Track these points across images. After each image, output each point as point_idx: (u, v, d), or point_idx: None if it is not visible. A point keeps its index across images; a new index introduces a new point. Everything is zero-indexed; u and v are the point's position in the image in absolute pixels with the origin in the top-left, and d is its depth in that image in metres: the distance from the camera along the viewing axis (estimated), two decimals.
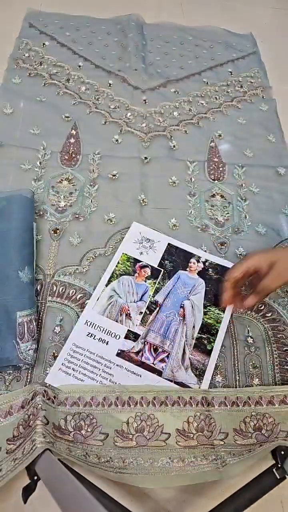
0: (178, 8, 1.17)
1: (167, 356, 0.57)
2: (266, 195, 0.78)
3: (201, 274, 0.64)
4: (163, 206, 0.73)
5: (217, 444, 0.51)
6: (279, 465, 0.48)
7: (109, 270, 0.63)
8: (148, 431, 0.50)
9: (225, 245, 0.70)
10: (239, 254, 0.69)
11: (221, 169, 0.81)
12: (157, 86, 0.93)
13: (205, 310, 0.61)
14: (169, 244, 0.67)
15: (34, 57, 0.93)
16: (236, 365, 0.58)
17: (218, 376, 0.57)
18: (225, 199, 0.76)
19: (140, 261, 0.64)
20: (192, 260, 0.66)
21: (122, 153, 0.79)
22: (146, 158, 0.79)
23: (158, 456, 0.49)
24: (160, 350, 0.57)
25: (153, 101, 0.90)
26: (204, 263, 0.66)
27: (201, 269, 0.65)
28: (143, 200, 0.73)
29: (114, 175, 0.76)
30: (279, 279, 0.54)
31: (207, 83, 0.97)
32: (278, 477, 0.48)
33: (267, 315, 0.63)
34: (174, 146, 0.83)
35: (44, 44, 0.97)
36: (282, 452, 0.49)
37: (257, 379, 0.57)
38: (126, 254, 0.65)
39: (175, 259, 0.65)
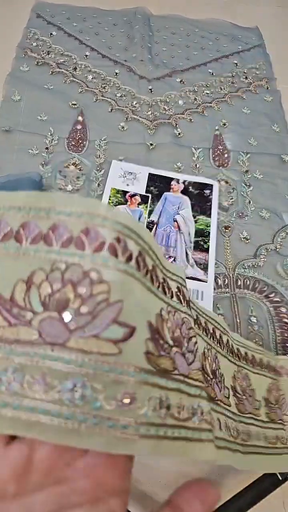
0: (180, 7, 1.18)
1: (174, 260, 0.65)
2: (270, 181, 0.79)
3: (184, 192, 0.73)
4: None
5: (286, 420, 0.44)
6: None
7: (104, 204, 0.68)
8: (247, 395, 0.39)
9: (229, 228, 0.71)
10: (243, 238, 0.70)
11: (225, 156, 0.82)
12: (162, 76, 0.95)
13: (195, 219, 0.69)
14: (149, 173, 0.74)
15: (42, 46, 0.94)
16: None
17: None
18: (229, 185, 0.77)
19: (128, 192, 0.71)
20: (173, 182, 0.74)
21: (128, 139, 0.81)
22: (151, 144, 0.80)
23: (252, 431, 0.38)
24: (167, 256, 0.65)
25: (159, 90, 0.91)
26: (183, 183, 0.74)
27: (182, 188, 0.73)
28: None
29: (120, 161, 0.77)
30: None
31: (212, 73, 0.98)
32: (280, 479, 0.47)
33: (270, 296, 0.64)
34: (179, 133, 0.84)
35: (51, 34, 0.98)
36: None
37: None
38: (114, 188, 0.72)
39: (158, 184, 0.73)
